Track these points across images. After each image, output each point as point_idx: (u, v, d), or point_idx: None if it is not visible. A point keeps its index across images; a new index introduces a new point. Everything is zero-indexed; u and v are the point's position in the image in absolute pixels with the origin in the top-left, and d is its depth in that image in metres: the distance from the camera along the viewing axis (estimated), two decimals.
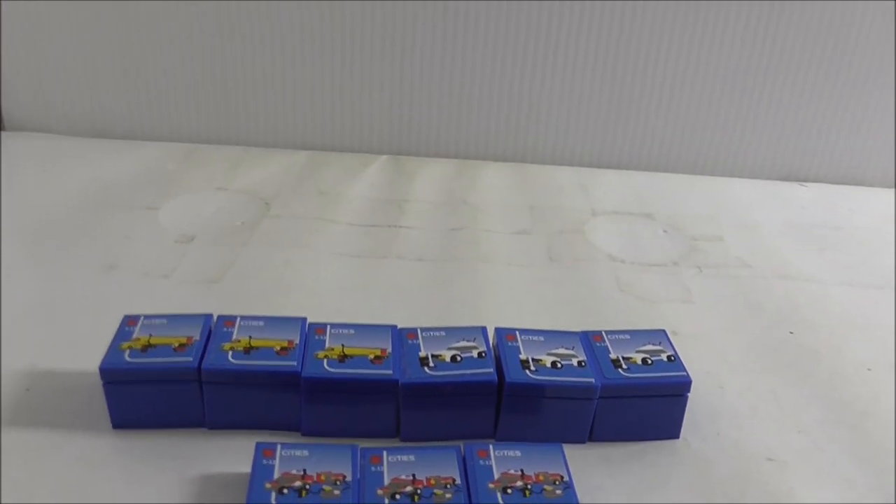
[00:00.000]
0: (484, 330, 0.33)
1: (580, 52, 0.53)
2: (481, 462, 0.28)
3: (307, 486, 0.26)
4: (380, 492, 0.26)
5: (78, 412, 0.31)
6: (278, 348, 0.30)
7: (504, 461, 0.28)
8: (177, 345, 0.30)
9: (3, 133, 0.54)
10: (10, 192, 0.46)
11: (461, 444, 0.29)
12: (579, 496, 0.27)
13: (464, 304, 0.39)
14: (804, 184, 0.56)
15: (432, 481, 0.27)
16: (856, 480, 0.31)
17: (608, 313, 0.39)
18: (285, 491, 0.26)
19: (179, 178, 0.51)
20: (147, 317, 0.32)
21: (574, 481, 0.27)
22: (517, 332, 0.32)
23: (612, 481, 0.30)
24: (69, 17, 0.52)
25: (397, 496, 0.26)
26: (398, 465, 0.27)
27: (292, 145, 0.56)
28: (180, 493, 0.28)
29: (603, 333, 0.33)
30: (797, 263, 0.45)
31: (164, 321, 0.32)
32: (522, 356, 0.31)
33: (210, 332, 0.31)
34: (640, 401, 0.31)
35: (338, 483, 0.26)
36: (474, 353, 0.31)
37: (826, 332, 0.39)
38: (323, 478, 0.27)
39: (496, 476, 0.27)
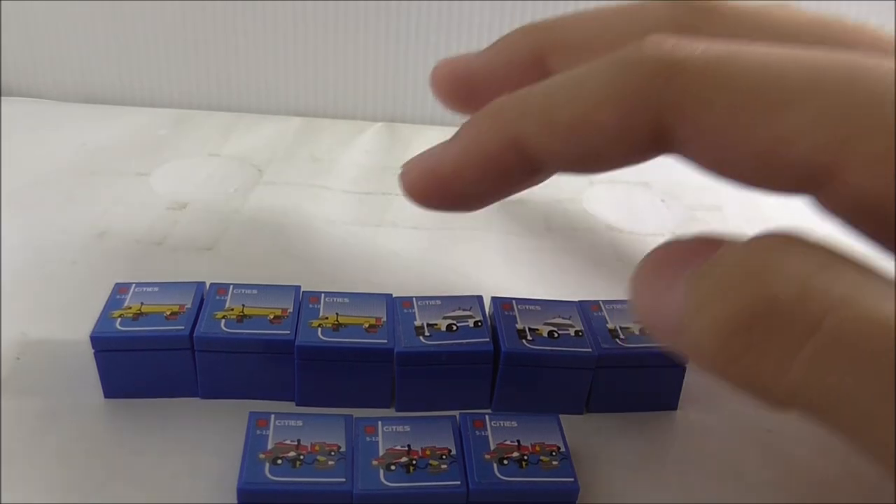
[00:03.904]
0: (480, 299, 0.32)
1: None
2: (477, 433, 0.27)
3: (301, 457, 0.26)
4: (375, 462, 0.26)
5: (69, 381, 0.31)
6: (272, 317, 0.30)
7: (500, 432, 0.28)
8: (169, 313, 0.30)
9: None
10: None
11: (457, 414, 0.28)
12: (576, 467, 0.27)
13: (460, 272, 0.39)
14: None
15: (427, 452, 0.27)
16: (856, 452, 0.30)
17: (606, 283, 0.39)
18: (279, 461, 0.26)
19: (171, 144, 0.50)
20: (139, 284, 0.31)
21: (571, 452, 0.27)
22: (514, 302, 0.32)
23: (609, 452, 0.30)
24: None
25: (392, 467, 0.26)
26: (393, 435, 0.27)
27: (285, 111, 0.55)
28: (173, 463, 0.28)
29: (600, 303, 0.33)
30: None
31: (156, 289, 0.31)
32: (519, 325, 0.31)
33: (202, 300, 0.31)
34: (638, 371, 0.31)
35: (332, 453, 0.26)
36: (470, 323, 0.31)
37: None
38: (317, 448, 0.26)
39: (492, 447, 0.27)
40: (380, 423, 0.28)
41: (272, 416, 0.27)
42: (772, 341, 0.19)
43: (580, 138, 0.24)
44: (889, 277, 0.19)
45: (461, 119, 0.58)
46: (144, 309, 0.30)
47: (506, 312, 0.31)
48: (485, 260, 0.40)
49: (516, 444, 0.27)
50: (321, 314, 0.31)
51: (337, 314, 0.31)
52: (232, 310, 0.30)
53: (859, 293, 0.18)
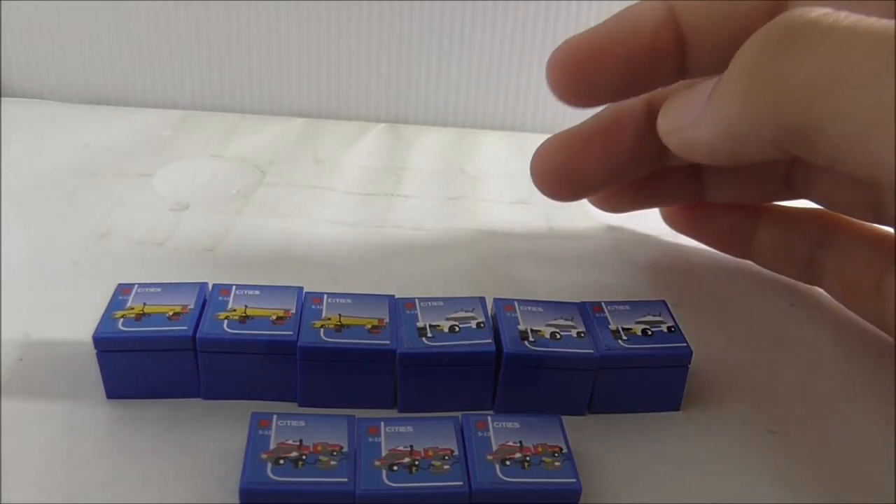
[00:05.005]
0: (482, 300, 0.32)
1: (581, 20, 0.52)
2: (479, 433, 0.27)
3: (303, 457, 0.26)
4: (377, 463, 0.26)
5: (72, 382, 0.31)
6: (274, 318, 0.30)
7: (502, 433, 0.28)
8: (171, 314, 0.30)
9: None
10: (2, 159, 0.46)
11: (459, 415, 0.28)
12: (578, 468, 0.27)
13: (462, 274, 0.39)
14: None
15: (430, 452, 0.27)
16: (857, 453, 0.30)
17: (608, 284, 0.39)
18: (281, 461, 0.26)
19: (174, 144, 0.50)
20: (141, 285, 0.31)
21: (573, 453, 0.27)
22: (515, 303, 0.32)
23: (611, 453, 0.30)
24: None
25: (395, 467, 0.26)
26: (395, 436, 0.27)
27: (288, 112, 0.55)
28: (175, 463, 0.28)
29: (602, 304, 0.33)
30: None
31: (159, 290, 0.31)
32: (521, 327, 0.31)
33: (205, 300, 0.31)
34: (639, 372, 0.31)
35: (334, 454, 0.26)
36: (473, 324, 0.31)
37: (827, 303, 0.38)
38: (319, 448, 0.26)
39: (494, 448, 0.27)
40: (382, 423, 0.28)
41: (274, 416, 0.27)
42: (797, 44, 0.24)
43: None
44: None
45: (464, 120, 0.58)
46: (147, 309, 0.30)
47: (508, 314, 0.31)
48: (487, 261, 0.40)
49: (518, 444, 0.27)
50: (324, 315, 0.31)
51: (339, 315, 0.31)
52: (234, 310, 0.30)
53: (866, 16, 0.23)
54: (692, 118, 0.28)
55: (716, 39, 0.31)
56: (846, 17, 0.24)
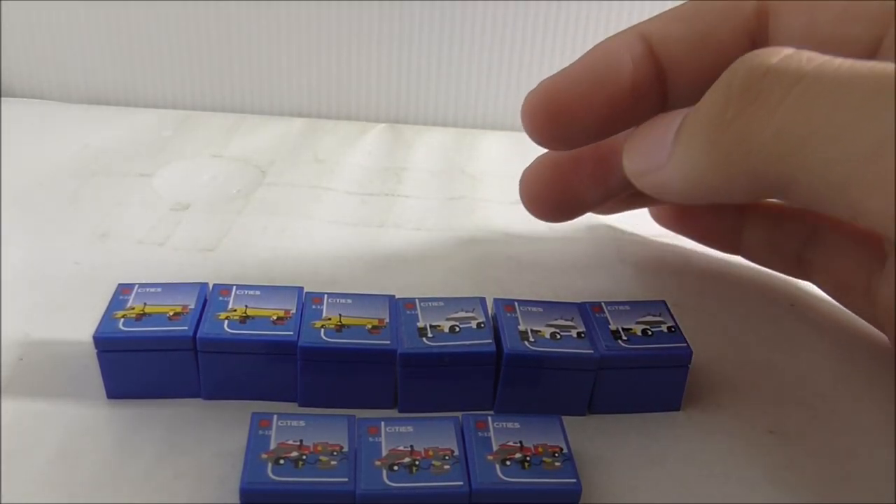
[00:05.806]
0: (483, 300, 0.32)
1: (581, 20, 0.52)
2: (480, 434, 0.27)
3: (304, 457, 0.26)
4: (377, 463, 0.26)
5: (72, 382, 0.31)
6: (274, 318, 0.30)
7: (502, 433, 0.28)
8: (172, 314, 0.30)
9: None
10: (2, 159, 0.46)
11: (459, 415, 0.28)
12: (578, 468, 0.27)
13: (462, 274, 0.39)
14: None
15: (430, 452, 0.27)
16: (857, 453, 0.30)
17: (608, 284, 0.39)
18: (281, 461, 0.26)
19: (174, 145, 0.50)
20: (141, 285, 0.31)
21: (573, 453, 0.27)
22: (516, 303, 0.32)
23: (611, 453, 0.30)
24: None
25: (395, 467, 0.26)
26: (396, 436, 0.27)
27: (288, 112, 0.55)
28: (175, 463, 0.28)
29: (602, 304, 0.33)
30: None
31: (159, 290, 0.31)
32: (521, 327, 0.31)
33: (205, 300, 0.31)
34: (640, 372, 0.31)
35: (335, 454, 0.26)
36: (473, 324, 0.31)
37: (827, 303, 0.38)
38: (320, 448, 0.26)
39: (495, 448, 0.27)
40: (382, 423, 0.28)
41: (275, 416, 0.27)
42: (763, 96, 0.22)
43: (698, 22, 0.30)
44: None
45: (465, 120, 0.58)
46: (147, 309, 0.30)
47: (508, 314, 0.31)
48: (487, 261, 0.40)
49: (519, 445, 0.27)
50: (324, 315, 0.31)
51: (340, 315, 0.31)
52: (235, 311, 0.30)
53: (830, 58, 0.22)
54: (659, 161, 0.27)
55: (696, 69, 0.30)
56: (809, 61, 0.22)
